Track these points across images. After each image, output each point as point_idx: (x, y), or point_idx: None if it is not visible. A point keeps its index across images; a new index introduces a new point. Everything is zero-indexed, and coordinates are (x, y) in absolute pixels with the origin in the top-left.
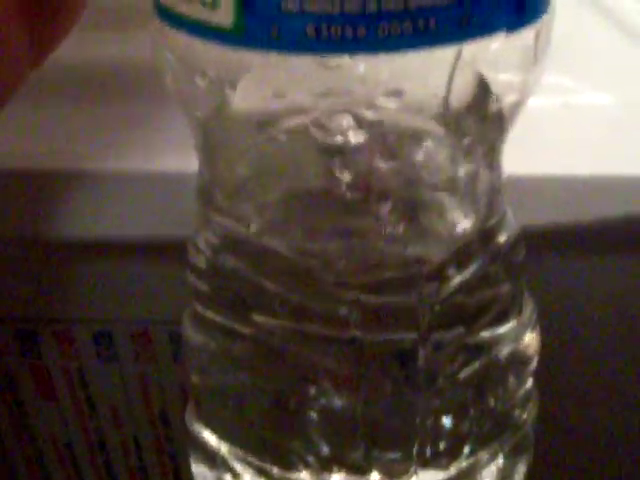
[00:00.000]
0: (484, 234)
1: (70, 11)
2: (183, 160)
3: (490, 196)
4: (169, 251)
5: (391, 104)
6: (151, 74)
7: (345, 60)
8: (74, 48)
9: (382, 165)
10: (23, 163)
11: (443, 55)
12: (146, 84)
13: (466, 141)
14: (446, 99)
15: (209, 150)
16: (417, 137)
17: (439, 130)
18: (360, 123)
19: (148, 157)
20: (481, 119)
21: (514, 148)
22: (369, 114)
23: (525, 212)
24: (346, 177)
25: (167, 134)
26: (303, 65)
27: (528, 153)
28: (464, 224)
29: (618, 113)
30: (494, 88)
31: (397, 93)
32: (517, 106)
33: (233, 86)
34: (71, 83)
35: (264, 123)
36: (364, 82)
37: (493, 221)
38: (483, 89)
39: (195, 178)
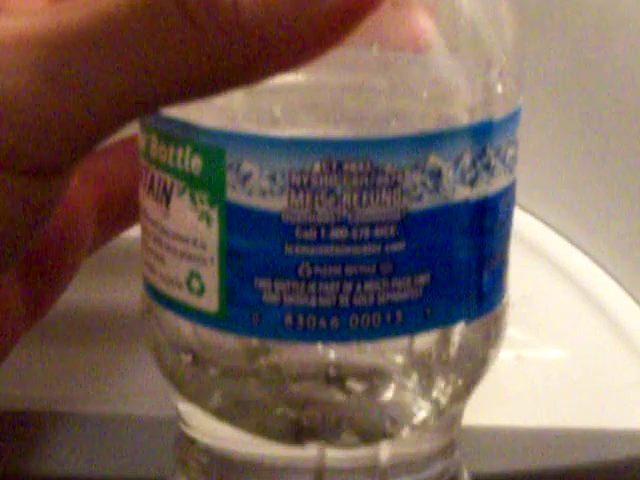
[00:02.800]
0: None
1: (66, 272)
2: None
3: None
4: None
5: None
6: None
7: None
8: (66, 292)
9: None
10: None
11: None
12: (133, 331)
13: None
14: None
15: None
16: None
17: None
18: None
19: (130, 401)
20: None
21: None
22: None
23: (479, 462)
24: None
25: (152, 379)
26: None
27: (481, 405)
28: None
29: (570, 367)
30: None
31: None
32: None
33: (215, 366)
34: (59, 326)
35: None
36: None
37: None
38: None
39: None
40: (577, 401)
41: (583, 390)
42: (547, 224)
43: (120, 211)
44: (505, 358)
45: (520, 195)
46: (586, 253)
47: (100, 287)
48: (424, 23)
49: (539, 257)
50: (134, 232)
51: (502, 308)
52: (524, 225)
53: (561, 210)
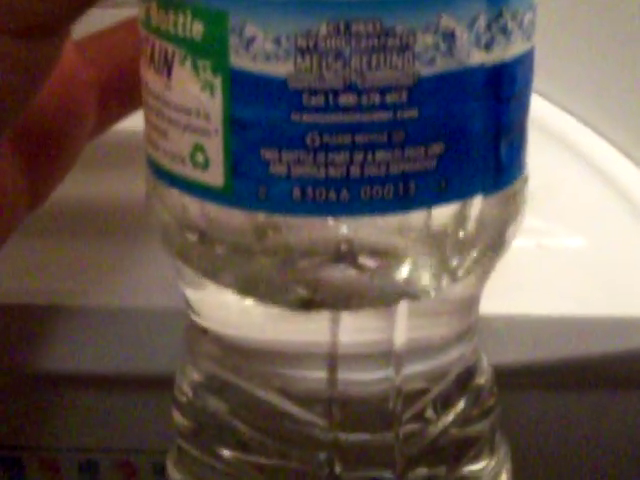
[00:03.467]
0: (463, 377)
1: (67, 155)
2: (173, 295)
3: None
4: (156, 385)
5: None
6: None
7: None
8: (69, 185)
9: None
10: (9, 298)
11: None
12: (142, 222)
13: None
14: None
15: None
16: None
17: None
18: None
19: (139, 293)
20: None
21: (488, 288)
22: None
23: (499, 351)
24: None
25: (160, 271)
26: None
27: (501, 293)
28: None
29: (591, 254)
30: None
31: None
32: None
33: (223, 244)
34: (63, 219)
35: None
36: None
37: (472, 362)
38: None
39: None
40: (598, 289)
41: (604, 278)
42: (567, 111)
43: (123, 92)
44: (525, 246)
45: (539, 82)
46: (608, 139)
47: (103, 179)
48: None
49: (559, 144)
50: (139, 121)
51: (521, 183)
52: (543, 112)
53: (581, 96)
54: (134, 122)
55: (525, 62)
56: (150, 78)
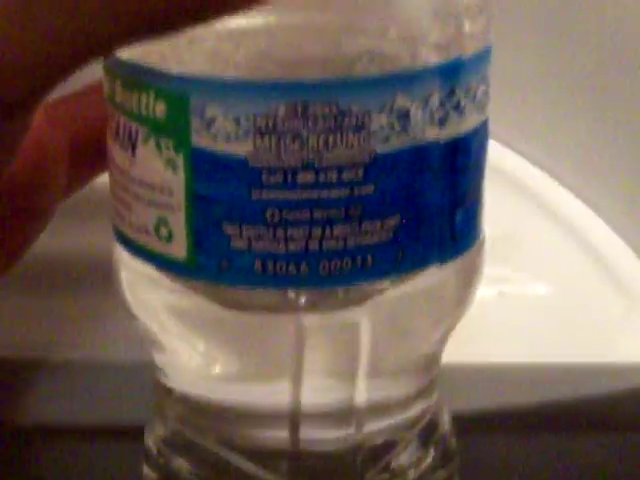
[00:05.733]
0: (427, 429)
1: (39, 216)
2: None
3: None
4: (126, 436)
5: None
6: None
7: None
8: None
9: None
10: None
11: None
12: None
13: None
14: None
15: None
16: None
17: None
18: None
19: (103, 346)
20: None
21: (451, 336)
22: None
23: (461, 399)
24: None
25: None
26: None
27: (464, 342)
28: None
29: (554, 302)
30: None
31: None
32: None
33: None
34: (34, 274)
35: None
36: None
37: (435, 414)
38: None
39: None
40: (561, 336)
41: (567, 325)
42: (528, 159)
43: (93, 154)
44: (487, 294)
45: (501, 130)
46: (569, 188)
47: (75, 232)
48: None
49: (521, 192)
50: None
51: (477, 248)
52: (505, 160)
53: (543, 145)
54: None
55: (479, 133)
56: (116, 153)
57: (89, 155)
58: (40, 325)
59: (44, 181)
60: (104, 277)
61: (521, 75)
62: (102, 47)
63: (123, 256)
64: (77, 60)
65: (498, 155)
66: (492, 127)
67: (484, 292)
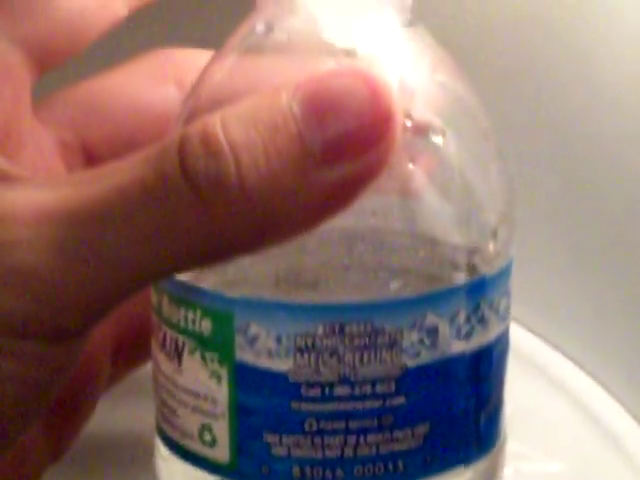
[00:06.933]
0: None
1: (84, 410)
2: None
3: None
4: None
5: None
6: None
7: None
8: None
9: None
10: None
11: None
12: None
13: None
14: None
15: None
16: None
17: None
18: None
19: None
20: None
21: None
22: None
23: None
24: None
25: None
26: None
27: None
28: None
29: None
30: None
31: None
32: None
33: None
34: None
35: None
36: None
37: None
38: None
39: None
40: None
41: None
42: (541, 336)
43: (135, 349)
44: (505, 472)
45: (514, 308)
46: (580, 366)
47: (116, 418)
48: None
49: (534, 369)
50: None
51: (499, 447)
52: (518, 338)
53: (555, 322)
54: None
55: (501, 341)
56: (161, 360)
57: (131, 350)
58: None
59: (89, 378)
60: (142, 463)
61: (530, 254)
62: (163, 276)
63: (163, 451)
64: (136, 291)
65: (512, 334)
66: None
67: None
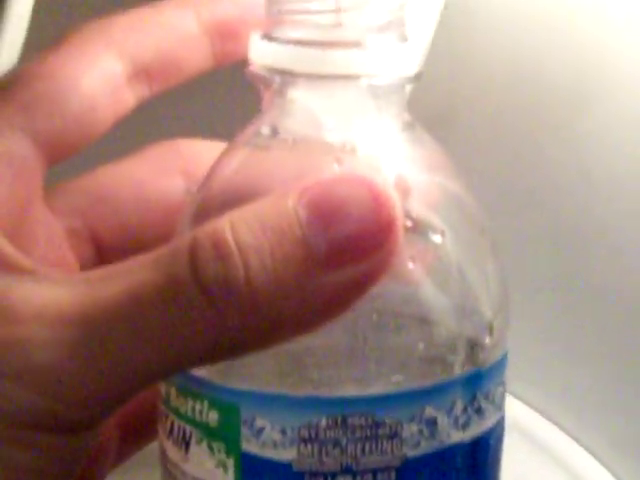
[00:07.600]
0: None
1: None
2: None
3: None
4: None
5: None
6: None
7: None
8: None
9: None
10: None
11: None
12: None
13: None
14: None
15: None
16: None
17: None
18: None
19: None
20: None
21: None
22: None
23: None
24: None
25: None
26: None
27: None
28: None
29: None
30: None
31: None
32: None
33: None
34: None
35: None
36: None
37: None
38: None
39: None
40: None
41: None
42: (536, 409)
43: (142, 429)
44: None
45: (511, 382)
46: (575, 439)
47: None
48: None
49: (529, 443)
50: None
51: None
52: (514, 412)
53: (551, 396)
54: None
55: (497, 429)
56: (169, 448)
57: (137, 430)
58: None
59: (97, 458)
60: None
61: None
62: (172, 374)
63: None
64: (147, 388)
65: (507, 407)
66: None
67: None
